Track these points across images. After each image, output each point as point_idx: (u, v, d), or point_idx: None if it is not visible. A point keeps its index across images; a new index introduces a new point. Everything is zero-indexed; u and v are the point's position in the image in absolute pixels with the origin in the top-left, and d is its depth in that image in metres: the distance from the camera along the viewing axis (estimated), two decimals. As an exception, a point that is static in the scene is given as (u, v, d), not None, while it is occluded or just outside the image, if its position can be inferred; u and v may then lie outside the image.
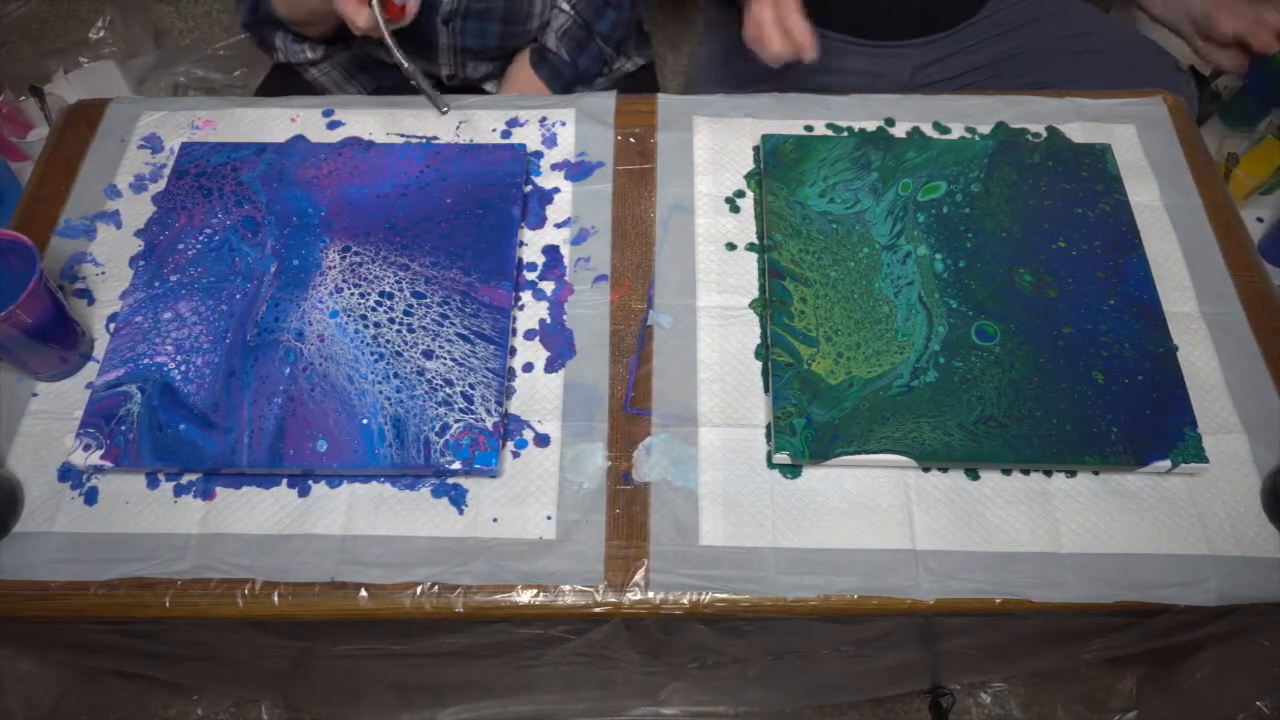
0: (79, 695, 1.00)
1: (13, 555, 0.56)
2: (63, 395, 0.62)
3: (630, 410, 0.62)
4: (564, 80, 0.92)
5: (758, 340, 0.64)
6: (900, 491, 0.59)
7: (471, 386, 0.60)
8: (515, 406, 0.62)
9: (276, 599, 0.55)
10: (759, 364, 0.63)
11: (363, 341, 0.61)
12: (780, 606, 0.55)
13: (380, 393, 0.59)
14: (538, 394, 0.62)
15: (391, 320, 0.62)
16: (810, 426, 0.58)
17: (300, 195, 0.68)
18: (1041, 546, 0.57)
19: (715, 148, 0.74)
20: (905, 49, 0.99)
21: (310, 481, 0.59)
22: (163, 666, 0.81)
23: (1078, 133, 0.75)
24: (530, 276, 0.67)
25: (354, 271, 0.65)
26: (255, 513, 0.58)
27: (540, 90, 0.92)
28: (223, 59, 1.50)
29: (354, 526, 0.57)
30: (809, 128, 0.75)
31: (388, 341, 0.61)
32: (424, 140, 0.74)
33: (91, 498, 0.58)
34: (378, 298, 0.63)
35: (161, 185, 0.71)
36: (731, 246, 0.69)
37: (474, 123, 0.75)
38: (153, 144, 0.74)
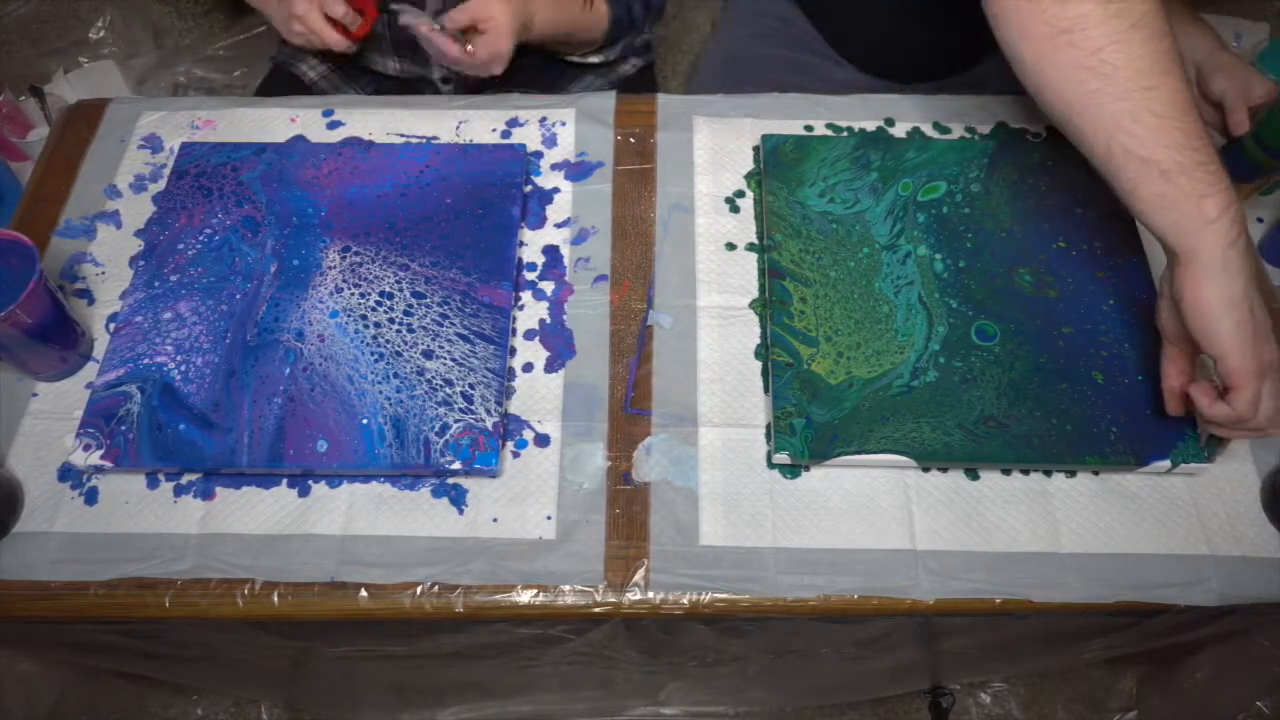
0: (79, 695, 1.00)
1: (13, 555, 0.56)
2: (63, 395, 0.62)
3: (630, 410, 0.62)
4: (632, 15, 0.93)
5: (757, 340, 0.64)
6: (900, 491, 0.59)
7: (471, 386, 0.60)
8: (515, 406, 0.62)
9: (276, 599, 0.55)
10: (759, 364, 0.63)
11: (363, 341, 0.61)
12: (780, 606, 0.55)
13: (380, 393, 0.59)
14: (538, 394, 0.62)
15: (391, 320, 0.62)
16: (810, 426, 0.58)
17: (300, 195, 0.68)
18: (1041, 546, 0.57)
19: (715, 148, 0.74)
20: (922, 87, 0.99)
21: (310, 481, 0.59)
22: (163, 666, 0.81)
23: (1078, 133, 0.75)
24: (530, 276, 0.67)
25: (354, 271, 0.65)
26: (255, 513, 0.58)
27: (599, 20, 0.91)
28: (223, 59, 1.50)
29: (354, 526, 0.57)
30: (809, 128, 0.75)
31: (388, 341, 0.61)
32: (424, 140, 0.74)
33: (91, 498, 0.58)
34: (378, 298, 0.63)
35: (161, 185, 0.71)
36: (731, 246, 0.69)
37: (474, 123, 0.75)
38: (153, 144, 0.74)
